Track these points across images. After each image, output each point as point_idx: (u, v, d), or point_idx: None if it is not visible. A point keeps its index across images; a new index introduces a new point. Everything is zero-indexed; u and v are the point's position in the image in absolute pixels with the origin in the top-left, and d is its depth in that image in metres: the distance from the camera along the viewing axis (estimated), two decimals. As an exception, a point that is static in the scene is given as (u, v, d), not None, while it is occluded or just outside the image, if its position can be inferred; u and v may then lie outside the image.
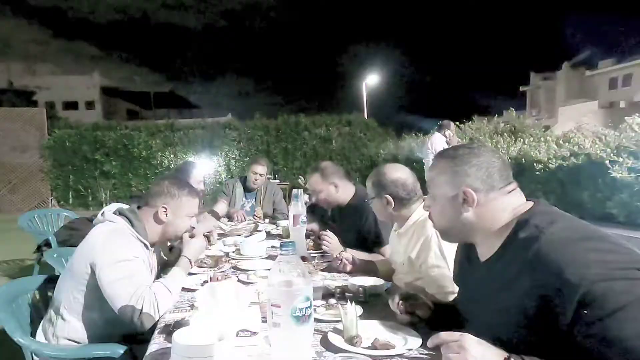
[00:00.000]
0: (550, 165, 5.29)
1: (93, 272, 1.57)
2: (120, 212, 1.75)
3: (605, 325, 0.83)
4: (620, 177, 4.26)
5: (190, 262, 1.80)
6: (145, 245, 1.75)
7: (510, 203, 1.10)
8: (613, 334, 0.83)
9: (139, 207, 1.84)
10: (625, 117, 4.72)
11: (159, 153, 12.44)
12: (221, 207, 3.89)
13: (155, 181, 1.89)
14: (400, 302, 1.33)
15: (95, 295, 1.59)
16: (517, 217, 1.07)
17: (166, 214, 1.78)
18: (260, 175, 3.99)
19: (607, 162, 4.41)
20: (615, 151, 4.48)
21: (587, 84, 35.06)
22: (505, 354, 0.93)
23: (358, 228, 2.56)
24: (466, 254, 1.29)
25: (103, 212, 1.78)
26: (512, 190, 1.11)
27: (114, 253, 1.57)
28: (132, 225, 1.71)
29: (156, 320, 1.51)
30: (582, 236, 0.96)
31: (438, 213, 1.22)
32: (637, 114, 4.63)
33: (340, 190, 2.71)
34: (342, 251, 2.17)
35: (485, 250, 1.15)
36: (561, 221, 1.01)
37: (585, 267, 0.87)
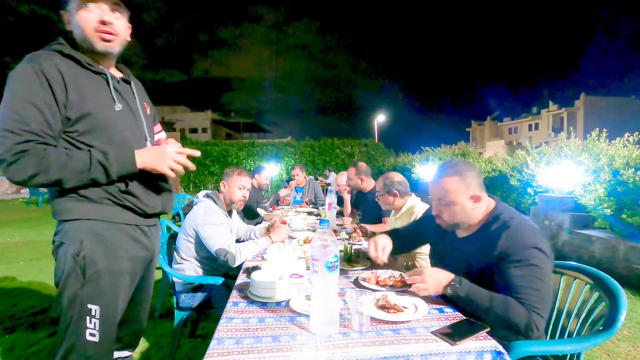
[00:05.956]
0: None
1: (197, 232, 1.64)
2: (207, 195, 1.82)
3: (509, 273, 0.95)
4: (513, 184, 4.87)
5: (271, 240, 1.75)
6: (225, 213, 1.79)
7: (487, 200, 1.11)
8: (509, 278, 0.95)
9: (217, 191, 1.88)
10: (516, 150, 5.26)
11: (244, 160, 12.84)
12: (283, 192, 3.81)
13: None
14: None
15: (198, 244, 1.66)
16: (488, 211, 1.10)
17: (224, 186, 1.83)
18: (297, 175, 3.89)
19: (508, 175, 4.98)
20: (511, 169, 5.02)
21: (499, 130, 43.36)
22: (452, 275, 1.01)
23: (373, 207, 2.54)
24: (439, 232, 1.24)
25: (197, 196, 1.85)
26: (484, 190, 1.11)
27: (209, 220, 1.64)
28: (215, 202, 1.78)
29: (237, 261, 1.55)
30: (525, 226, 1.01)
31: (454, 213, 1.08)
32: (521, 149, 5.15)
33: (364, 182, 2.73)
34: (357, 226, 2.15)
35: (464, 232, 1.14)
36: (516, 217, 1.04)
37: (527, 243, 0.96)
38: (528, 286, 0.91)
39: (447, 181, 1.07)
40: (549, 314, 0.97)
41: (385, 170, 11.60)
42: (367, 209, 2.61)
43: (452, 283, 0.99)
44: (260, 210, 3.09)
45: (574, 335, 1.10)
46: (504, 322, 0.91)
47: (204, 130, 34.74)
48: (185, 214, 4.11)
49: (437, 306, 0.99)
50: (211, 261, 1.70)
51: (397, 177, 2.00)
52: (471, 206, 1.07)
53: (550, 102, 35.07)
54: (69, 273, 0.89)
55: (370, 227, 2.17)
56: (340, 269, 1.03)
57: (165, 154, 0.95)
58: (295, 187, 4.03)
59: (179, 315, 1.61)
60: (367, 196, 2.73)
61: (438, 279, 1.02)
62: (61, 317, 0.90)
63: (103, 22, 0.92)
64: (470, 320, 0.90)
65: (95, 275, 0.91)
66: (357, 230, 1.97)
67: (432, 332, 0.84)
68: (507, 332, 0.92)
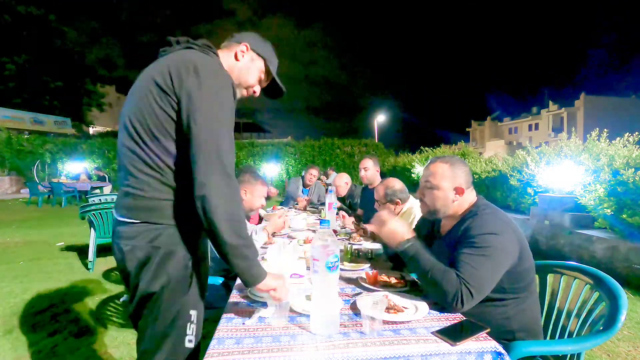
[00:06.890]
0: (482, 176, 5.67)
1: None
2: None
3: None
4: (513, 184, 4.86)
5: (268, 232, 1.74)
6: None
7: (470, 197, 1.16)
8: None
9: None
10: (516, 151, 5.23)
11: (244, 161, 12.85)
12: (293, 188, 3.81)
13: (239, 173, 1.83)
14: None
15: None
16: (469, 206, 1.15)
17: (246, 194, 1.80)
18: (314, 175, 3.95)
19: (508, 175, 4.97)
20: (512, 169, 5.00)
21: (499, 130, 44.03)
22: (409, 235, 1.09)
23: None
24: (429, 230, 1.32)
25: None
26: (471, 189, 1.17)
27: None
28: None
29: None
30: (492, 217, 1.05)
31: (435, 198, 1.14)
32: (521, 149, 5.12)
33: (378, 175, 2.74)
34: (360, 227, 2.13)
35: (445, 228, 1.21)
36: (489, 209, 1.09)
37: (485, 229, 1.01)
38: (468, 263, 0.97)
39: (437, 165, 1.15)
40: (485, 297, 0.98)
41: (385, 171, 11.64)
42: (369, 204, 2.59)
43: (404, 241, 1.07)
44: (260, 211, 3.10)
45: (574, 335, 1.10)
46: (437, 287, 0.97)
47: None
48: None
49: (438, 307, 0.99)
50: (212, 262, 1.69)
51: (397, 184, 1.99)
52: (453, 197, 1.12)
53: (550, 102, 35.12)
54: None
55: (370, 227, 2.16)
56: (340, 269, 1.03)
57: (285, 289, 0.89)
58: (302, 189, 4.02)
59: (179, 315, 1.60)
60: (371, 192, 2.72)
61: (394, 233, 1.10)
62: None
63: (254, 90, 1.05)
64: (470, 320, 0.90)
65: None
66: (358, 230, 1.97)
67: (432, 333, 0.84)
68: (440, 299, 0.98)
